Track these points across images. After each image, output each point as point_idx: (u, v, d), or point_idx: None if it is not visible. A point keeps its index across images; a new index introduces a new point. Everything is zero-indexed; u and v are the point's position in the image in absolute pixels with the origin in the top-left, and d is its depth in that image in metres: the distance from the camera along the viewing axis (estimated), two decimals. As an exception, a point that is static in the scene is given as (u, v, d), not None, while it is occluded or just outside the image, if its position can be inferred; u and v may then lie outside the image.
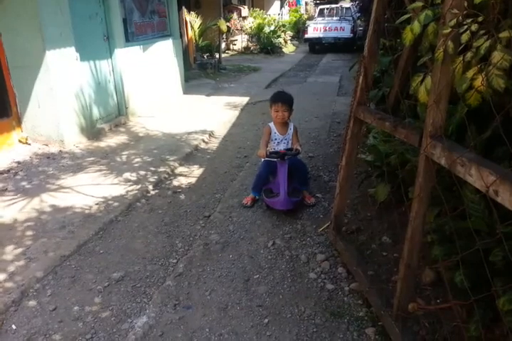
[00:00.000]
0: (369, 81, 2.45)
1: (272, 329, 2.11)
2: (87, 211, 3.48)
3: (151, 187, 3.98)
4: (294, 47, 19.24)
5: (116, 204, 3.62)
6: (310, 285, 2.45)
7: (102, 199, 3.68)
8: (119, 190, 3.89)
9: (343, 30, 16.20)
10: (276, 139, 3.47)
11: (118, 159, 4.73)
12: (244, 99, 7.90)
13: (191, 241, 3.06)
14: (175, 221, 3.37)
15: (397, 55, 3.66)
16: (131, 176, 4.20)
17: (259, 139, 5.60)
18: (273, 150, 3.44)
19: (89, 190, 3.86)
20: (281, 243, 2.92)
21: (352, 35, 16.10)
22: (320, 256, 2.72)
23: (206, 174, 4.38)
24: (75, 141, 5.16)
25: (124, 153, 4.93)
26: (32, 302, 2.39)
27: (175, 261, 2.80)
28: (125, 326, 2.19)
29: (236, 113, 6.98)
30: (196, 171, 4.47)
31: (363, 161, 3.42)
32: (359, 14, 16.23)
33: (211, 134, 5.78)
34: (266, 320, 2.17)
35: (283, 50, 17.12)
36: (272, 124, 3.49)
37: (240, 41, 16.72)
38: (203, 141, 5.46)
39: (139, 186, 3.96)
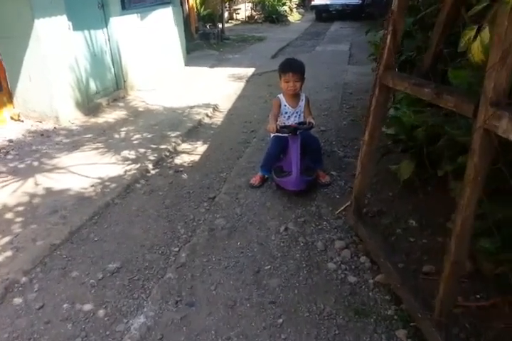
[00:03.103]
0: (398, 40, 2.08)
1: (288, 331, 1.84)
2: (81, 193, 3.19)
3: (151, 166, 3.67)
4: (300, 16, 18.46)
5: (113, 185, 3.32)
6: (329, 277, 2.17)
7: (98, 180, 3.39)
8: (117, 169, 3.59)
9: (352, -4, 15.41)
10: (286, 113, 3.12)
11: (116, 136, 4.40)
12: (250, 71, 7.46)
13: (194, 227, 2.77)
14: (177, 203, 3.07)
15: (420, 14, 3.24)
16: (130, 154, 3.89)
17: (266, 112, 5.25)
18: (283, 124, 3.09)
19: (84, 170, 3.56)
20: (294, 228, 2.63)
21: (360, 1, 15.31)
22: (339, 243, 2.42)
23: (210, 151, 4.06)
24: (71, 117, 4.83)
25: (122, 129, 4.60)
26: (17, 300, 2.12)
27: (177, 249, 2.52)
28: (120, 327, 1.92)
29: (241, 85, 6.58)
30: (200, 148, 4.14)
31: (382, 135, 3.07)
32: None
33: (215, 108, 5.41)
34: (280, 320, 1.89)
35: (288, 18, 16.38)
36: (281, 96, 3.12)
37: (244, 10, 16.00)
38: (207, 116, 5.11)
39: (138, 165, 3.66)
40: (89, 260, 2.47)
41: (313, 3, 16.34)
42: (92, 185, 3.32)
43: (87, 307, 2.07)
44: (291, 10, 17.27)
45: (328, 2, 15.69)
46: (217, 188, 3.28)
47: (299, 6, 19.74)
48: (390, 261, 2.03)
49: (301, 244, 2.46)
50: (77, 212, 2.95)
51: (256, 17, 15.85)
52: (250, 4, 16.13)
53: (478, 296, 1.93)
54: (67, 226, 2.78)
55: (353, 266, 2.23)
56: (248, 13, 16.06)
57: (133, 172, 3.54)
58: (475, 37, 1.40)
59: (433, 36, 1.96)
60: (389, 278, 2.03)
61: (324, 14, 16.51)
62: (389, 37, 2.07)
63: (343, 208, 2.83)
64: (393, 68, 2.12)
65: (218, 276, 2.22)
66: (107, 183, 3.35)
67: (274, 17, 15.35)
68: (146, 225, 2.80)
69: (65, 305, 2.09)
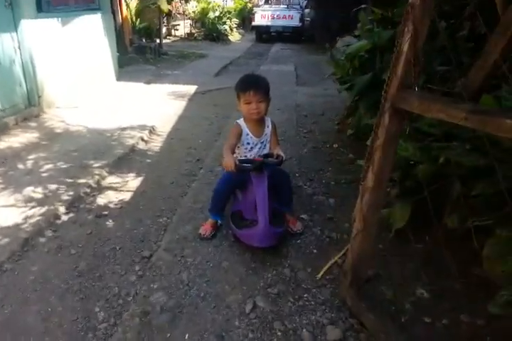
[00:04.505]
0: (419, 48, 1.46)
1: None
2: (-46, 254, 2.22)
3: (62, 209, 2.75)
4: (240, 36, 18.22)
5: (5, 240, 2.37)
6: None
7: (-17, 233, 2.43)
8: (14, 215, 2.63)
9: (292, 18, 15.43)
10: (249, 143, 2.38)
11: (20, 166, 3.41)
12: (192, 88, 6.72)
13: (120, 308, 1.91)
14: (95, 267, 2.20)
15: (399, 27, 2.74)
16: (36, 192, 2.94)
17: (212, 136, 4.51)
18: (243, 157, 2.36)
19: (-34, 217, 2.58)
20: (265, 305, 1.86)
21: (301, 23, 15.34)
22: (332, 332, 1.69)
23: (146, 186, 3.21)
24: (-39, 141, 3.77)
25: (30, 157, 3.61)
26: None
27: (90, 353, 1.66)
28: None
29: (183, 104, 5.79)
30: (132, 182, 3.28)
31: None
32: (306, 2, 15.53)
33: (152, 130, 4.57)
34: None
35: (229, 37, 15.98)
36: (241, 122, 2.40)
37: (183, 27, 15.34)
38: (142, 140, 4.25)
39: (44, 208, 2.72)
40: None
41: (253, 23, 16.10)
42: (-26, 240, 2.35)
43: None
44: (231, 29, 16.91)
45: (270, 23, 15.55)
46: (155, 241, 2.45)
47: (238, 26, 19.50)
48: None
49: (279, 334, 1.70)
50: None
51: (196, 34, 15.25)
52: (190, 21, 15.53)
53: None
54: None
55: (360, 375, 1.51)
56: (187, 30, 15.43)
57: (36, 218, 2.60)
58: None
59: (488, 47, 1.36)
60: None
61: (265, 35, 16.43)
62: (407, 42, 1.44)
63: (325, 270, 2.13)
64: (413, 87, 1.49)
65: None
66: (-3, 237, 2.39)
67: (215, 35, 14.88)
68: (47, 307, 1.90)
69: None
